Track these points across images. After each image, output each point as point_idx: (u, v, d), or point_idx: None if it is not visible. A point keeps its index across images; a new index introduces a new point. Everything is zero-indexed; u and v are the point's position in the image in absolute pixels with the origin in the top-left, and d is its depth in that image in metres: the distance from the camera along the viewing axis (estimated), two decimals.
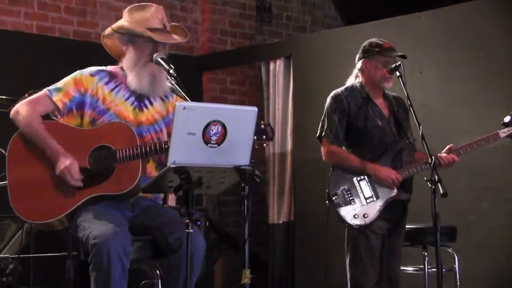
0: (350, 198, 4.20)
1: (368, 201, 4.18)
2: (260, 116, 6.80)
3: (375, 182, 4.19)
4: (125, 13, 3.59)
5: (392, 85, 4.26)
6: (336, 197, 4.21)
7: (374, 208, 4.16)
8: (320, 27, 8.54)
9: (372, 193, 4.19)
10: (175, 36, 3.55)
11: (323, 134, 4.31)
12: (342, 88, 4.34)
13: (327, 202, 4.24)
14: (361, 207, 4.17)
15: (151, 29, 3.48)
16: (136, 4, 3.60)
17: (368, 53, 4.26)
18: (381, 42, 4.26)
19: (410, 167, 4.21)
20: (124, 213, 3.43)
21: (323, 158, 4.33)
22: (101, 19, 6.91)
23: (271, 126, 3.54)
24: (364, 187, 4.20)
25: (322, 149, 4.32)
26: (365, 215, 4.15)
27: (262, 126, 3.49)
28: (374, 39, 4.29)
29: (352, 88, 4.31)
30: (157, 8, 3.56)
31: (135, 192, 3.38)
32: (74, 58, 5.95)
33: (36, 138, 3.41)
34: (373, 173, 4.18)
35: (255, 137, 3.35)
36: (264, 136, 3.48)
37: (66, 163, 3.33)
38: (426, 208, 3.83)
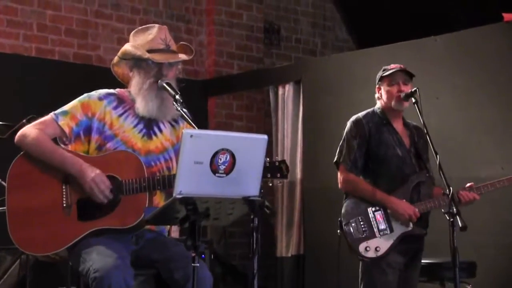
0: (363, 229, 4.15)
1: (381, 233, 4.14)
2: (268, 143, 6.68)
3: (391, 215, 4.15)
4: (130, 37, 3.60)
5: (408, 106, 4.23)
6: (348, 226, 4.15)
7: (387, 242, 4.13)
8: (331, 50, 8.65)
9: (387, 225, 4.16)
10: (179, 55, 3.54)
11: (340, 160, 4.29)
12: (363, 112, 4.35)
13: (338, 231, 4.20)
14: (374, 239, 4.13)
15: (153, 50, 3.47)
16: (140, 28, 3.60)
17: (378, 78, 4.32)
18: (389, 66, 4.32)
19: (428, 202, 4.18)
20: (127, 246, 3.38)
21: (339, 185, 4.29)
22: (102, 42, 6.99)
23: (286, 163, 3.48)
24: (379, 218, 4.16)
25: (338, 175, 4.29)
26: (377, 248, 4.11)
27: (277, 163, 3.44)
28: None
29: (373, 113, 4.33)
30: (159, 28, 3.55)
31: (140, 226, 3.36)
32: (74, 82, 6.05)
33: (49, 154, 3.33)
34: (390, 207, 4.15)
35: (269, 174, 3.41)
36: (278, 174, 3.43)
37: (91, 174, 3.28)
38: (444, 241, 3.77)
